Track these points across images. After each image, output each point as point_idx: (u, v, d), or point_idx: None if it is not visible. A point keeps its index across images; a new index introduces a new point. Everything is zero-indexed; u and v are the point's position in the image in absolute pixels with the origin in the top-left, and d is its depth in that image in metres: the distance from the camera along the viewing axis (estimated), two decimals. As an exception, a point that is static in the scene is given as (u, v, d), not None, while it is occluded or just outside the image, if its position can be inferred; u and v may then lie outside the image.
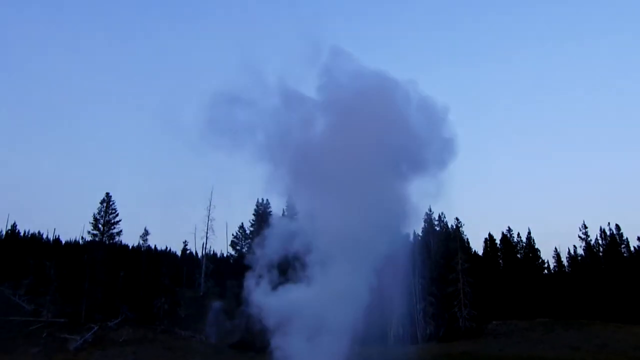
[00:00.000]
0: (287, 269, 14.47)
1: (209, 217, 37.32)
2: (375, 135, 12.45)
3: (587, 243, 43.99)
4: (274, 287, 13.61)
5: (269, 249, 14.43)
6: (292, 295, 12.69)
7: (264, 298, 13.08)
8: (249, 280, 14.08)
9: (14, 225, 46.67)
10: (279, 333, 12.46)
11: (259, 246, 14.83)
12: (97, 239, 37.53)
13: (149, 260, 40.97)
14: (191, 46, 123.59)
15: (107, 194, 38.53)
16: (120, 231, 38.52)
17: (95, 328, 31.29)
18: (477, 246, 47.67)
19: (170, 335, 32.30)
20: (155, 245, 49.75)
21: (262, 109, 13.57)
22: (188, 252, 46.22)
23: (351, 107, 12.81)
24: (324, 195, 13.06)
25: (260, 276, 13.94)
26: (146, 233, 42.35)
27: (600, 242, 44.35)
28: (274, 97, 13.45)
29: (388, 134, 12.59)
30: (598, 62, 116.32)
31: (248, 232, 38.80)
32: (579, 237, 44.12)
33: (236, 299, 20.11)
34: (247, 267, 14.48)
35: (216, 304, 32.63)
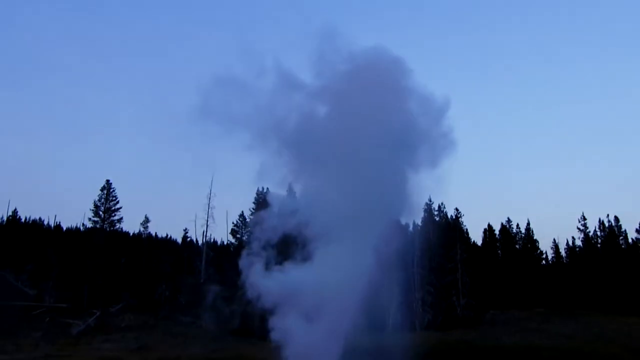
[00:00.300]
0: (285, 249, 14.37)
1: (209, 205, 37.42)
2: (372, 118, 12.23)
3: (586, 234, 44.27)
4: (272, 267, 13.33)
5: (267, 227, 14.31)
6: (291, 275, 12.54)
7: (260, 278, 12.85)
8: (244, 259, 13.76)
9: (15, 212, 46.87)
10: (276, 314, 12.37)
11: (258, 224, 14.66)
12: (97, 225, 37.75)
13: (150, 247, 41.26)
14: (189, 32, 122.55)
15: (108, 181, 38.67)
16: (121, 218, 38.78)
17: (98, 313, 31.64)
18: (476, 237, 47.98)
19: (171, 321, 32.67)
20: (155, 233, 50.09)
21: (258, 94, 13.31)
22: (188, 239, 46.42)
23: (348, 89, 12.52)
24: (322, 175, 12.87)
25: (257, 255, 13.61)
26: (147, 220, 42.65)
27: (598, 233, 44.68)
28: (271, 82, 13.15)
29: (387, 117, 12.32)
30: (600, 53, 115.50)
31: (248, 220, 38.99)
32: (578, 228, 44.43)
33: (235, 286, 20.23)
34: (244, 246, 14.33)
35: (213, 288, 32.86)
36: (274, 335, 12.15)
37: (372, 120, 12.23)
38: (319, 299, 11.71)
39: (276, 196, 13.70)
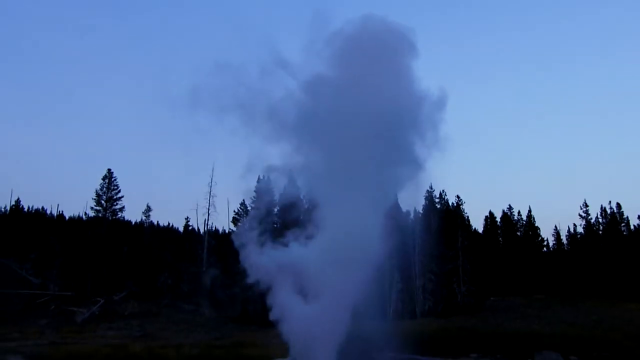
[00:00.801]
0: (284, 224, 14.00)
1: (210, 193, 37.50)
2: (372, 95, 11.78)
3: (587, 221, 44.28)
4: (269, 241, 12.85)
5: (266, 198, 13.96)
6: (288, 251, 12.25)
7: (256, 254, 12.43)
8: (240, 232, 13.34)
9: (17, 201, 47.09)
10: (274, 292, 12.00)
11: (258, 195, 14.21)
12: (100, 214, 37.94)
13: (152, 236, 41.49)
14: (187, 15, 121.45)
15: (109, 170, 38.75)
16: (123, 207, 38.99)
17: (102, 301, 31.97)
18: (478, 224, 48.03)
19: (174, 309, 33.02)
20: (157, 222, 50.35)
21: (253, 78, 12.88)
22: (190, 228, 46.62)
23: (347, 65, 11.96)
24: (321, 156, 12.47)
25: (254, 229, 13.23)
26: (148, 209, 42.78)
27: (600, 220, 44.69)
28: (266, 65, 12.71)
29: (386, 97, 11.85)
30: (600, 37, 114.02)
31: (249, 208, 39.02)
32: (580, 215, 44.45)
33: (236, 273, 20.21)
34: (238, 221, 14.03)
35: (214, 276, 33.04)
36: (273, 315, 11.85)
37: (372, 97, 11.76)
38: (319, 277, 11.42)
39: (275, 168, 13.13)
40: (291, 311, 11.67)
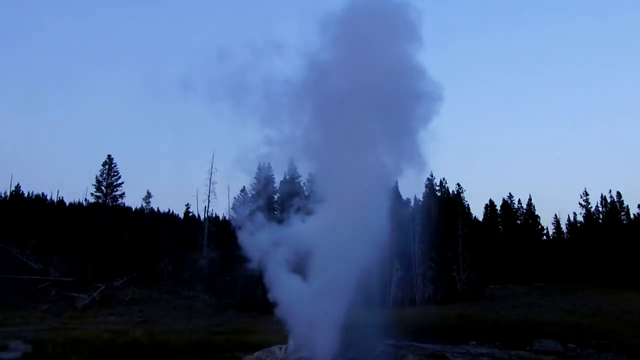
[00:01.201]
0: (283, 204, 13.72)
1: (210, 180, 37.44)
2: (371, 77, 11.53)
3: (587, 210, 44.21)
4: (269, 220, 12.49)
5: (264, 175, 13.60)
6: (289, 228, 11.89)
7: (256, 231, 12.03)
8: (238, 207, 13.10)
9: (17, 187, 47.06)
10: (272, 270, 11.58)
11: (259, 173, 13.89)
12: (100, 201, 37.86)
13: (152, 222, 41.49)
14: (188, 4, 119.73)
15: (109, 156, 38.52)
16: (123, 193, 38.85)
17: (102, 287, 32.12)
18: (478, 212, 48.05)
19: (174, 295, 33.18)
20: (157, 208, 50.40)
21: (250, 62, 12.62)
22: (190, 214, 46.68)
23: (344, 47, 11.72)
24: (321, 137, 12.28)
25: (252, 204, 12.96)
26: (149, 195, 42.68)
27: (600, 209, 44.62)
28: (264, 48, 12.42)
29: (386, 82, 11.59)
30: (602, 22, 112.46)
31: (250, 195, 38.97)
32: (580, 204, 44.33)
33: (236, 260, 20.15)
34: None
35: (215, 262, 33.12)
36: (271, 296, 11.68)
37: (370, 78, 11.46)
38: (319, 255, 11.24)
39: (274, 143, 12.89)
40: (290, 292, 11.48)
